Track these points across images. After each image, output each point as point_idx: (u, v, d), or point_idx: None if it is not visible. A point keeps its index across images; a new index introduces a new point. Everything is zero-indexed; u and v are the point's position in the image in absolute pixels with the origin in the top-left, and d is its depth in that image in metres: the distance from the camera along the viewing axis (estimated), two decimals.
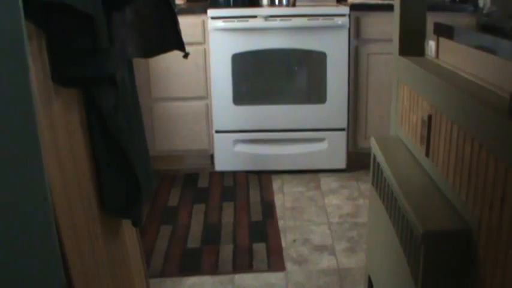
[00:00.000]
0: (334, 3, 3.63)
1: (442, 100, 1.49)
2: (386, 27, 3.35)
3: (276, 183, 3.56)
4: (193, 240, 2.85)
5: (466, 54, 1.52)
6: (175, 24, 1.87)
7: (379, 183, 1.85)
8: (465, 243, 1.30)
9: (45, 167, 1.16)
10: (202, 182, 3.61)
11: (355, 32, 3.50)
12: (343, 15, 3.43)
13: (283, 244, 2.79)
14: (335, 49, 3.49)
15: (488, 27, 1.43)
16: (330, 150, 3.66)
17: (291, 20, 3.44)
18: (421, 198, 1.50)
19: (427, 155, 1.62)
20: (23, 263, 1.17)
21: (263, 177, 3.65)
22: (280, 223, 3.02)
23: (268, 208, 3.20)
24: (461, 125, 1.34)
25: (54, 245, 1.21)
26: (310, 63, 3.64)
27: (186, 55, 1.94)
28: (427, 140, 1.61)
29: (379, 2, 3.51)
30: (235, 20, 3.45)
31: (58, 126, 1.38)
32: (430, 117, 1.59)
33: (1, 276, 1.15)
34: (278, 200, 3.31)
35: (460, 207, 1.37)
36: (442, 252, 1.32)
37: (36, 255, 1.18)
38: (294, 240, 2.83)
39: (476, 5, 1.58)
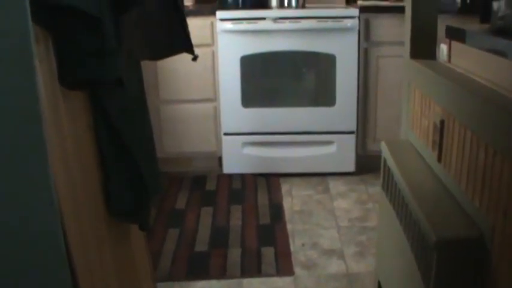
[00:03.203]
0: (344, 5, 3.61)
1: (454, 105, 1.46)
2: (396, 29, 3.33)
3: (285, 186, 3.54)
4: (201, 243, 2.84)
5: (479, 58, 1.50)
6: (184, 26, 1.86)
7: (390, 188, 1.83)
8: (478, 250, 1.28)
9: (51, 170, 1.15)
10: (210, 185, 3.59)
11: (365, 34, 3.47)
12: (353, 17, 3.41)
13: (292, 248, 2.77)
14: (344, 51, 3.46)
15: (502, 30, 1.41)
16: (339, 153, 3.63)
17: (300, 22, 3.42)
18: (433, 204, 1.47)
19: (439, 160, 1.60)
20: (30, 267, 1.16)
21: (271, 180, 3.63)
22: (289, 227, 3.00)
23: (277, 211, 3.18)
24: (475, 130, 1.32)
25: (61, 249, 1.20)
26: (319, 66, 3.62)
27: (195, 58, 1.92)
28: (439, 145, 1.59)
29: (389, 4, 3.49)
30: (244, 21, 3.43)
31: (65, 130, 1.37)
32: (442, 122, 1.56)
33: (7, 280, 1.14)
34: (286, 203, 3.29)
35: (473, 214, 1.34)
36: (454, 260, 1.29)
37: (42, 260, 1.17)
38: (303, 244, 2.81)
39: (487, 8, 1.55)
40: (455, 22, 1.74)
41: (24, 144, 1.10)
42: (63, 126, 1.36)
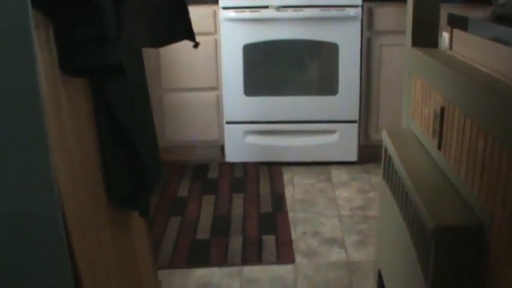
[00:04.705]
0: None
1: (455, 93, 1.46)
2: (400, 18, 3.31)
3: (286, 175, 3.54)
4: (202, 231, 2.85)
5: (481, 45, 1.49)
6: (185, 13, 1.86)
7: (390, 176, 1.83)
8: (477, 238, 1.28)
9: (51, 157, 1.15)
10: (212, 173, 3.60)
11: (368, 23, 3.46)
12: (356, 6, 3.40)
13: (293, 236, 2.78)
14: (347, 40, 3.45)
15: (504, 18, 1.40)
16: (341, 143, 3.63)
17: (302, 10, 3.41)
18: (433, 192, 1.47)
19: (439, 148, 1.60)
20: (29, 254, 1.16)
21: (273, 168, 3.63)
22: (290, 215, 3.00)
23: (278, 200, 3.18)
24: (475, 119, 1.32)
25: (61, 236, 1.20)
26: (322, 55, 3.61)
27: (196, 45, 1.92)
28: (439, 133, 1.59)
29: None
30: (247, 10, 3.42)
31: (65, 117, 1.37)
32: (442, 110, 1.56)
33: (7, 267, 1.14)
34: (288, 192, 3.29)
35: (472, 202, 1.34)
36: (453, 248, 1.30)
37: (42, 247, 1.17)
38: (304, 233, 2.81)
39: None
40: (460, 10, 1.73)
41: (24, 132, 1.10)
42: (63, 113, 1.36)
